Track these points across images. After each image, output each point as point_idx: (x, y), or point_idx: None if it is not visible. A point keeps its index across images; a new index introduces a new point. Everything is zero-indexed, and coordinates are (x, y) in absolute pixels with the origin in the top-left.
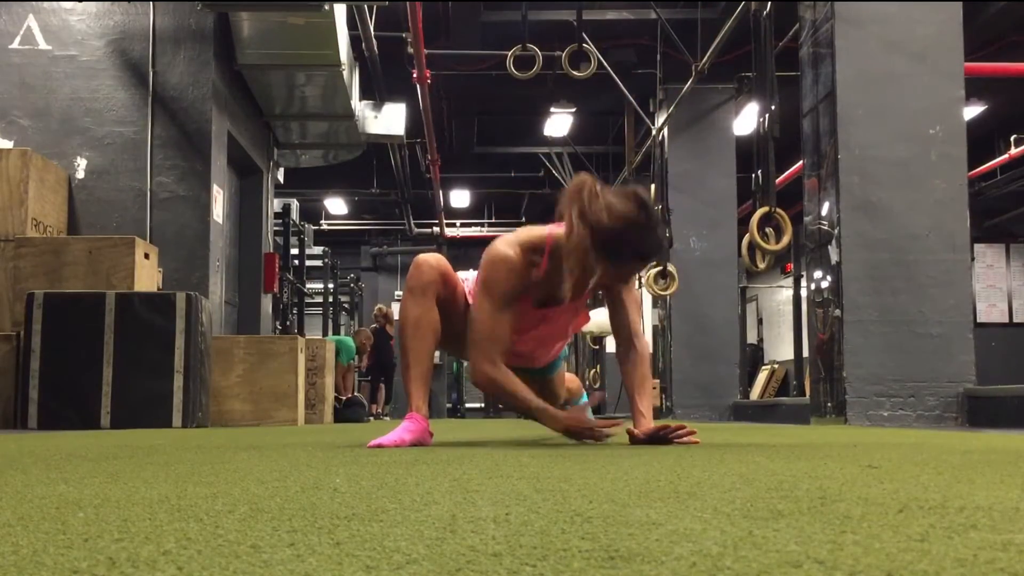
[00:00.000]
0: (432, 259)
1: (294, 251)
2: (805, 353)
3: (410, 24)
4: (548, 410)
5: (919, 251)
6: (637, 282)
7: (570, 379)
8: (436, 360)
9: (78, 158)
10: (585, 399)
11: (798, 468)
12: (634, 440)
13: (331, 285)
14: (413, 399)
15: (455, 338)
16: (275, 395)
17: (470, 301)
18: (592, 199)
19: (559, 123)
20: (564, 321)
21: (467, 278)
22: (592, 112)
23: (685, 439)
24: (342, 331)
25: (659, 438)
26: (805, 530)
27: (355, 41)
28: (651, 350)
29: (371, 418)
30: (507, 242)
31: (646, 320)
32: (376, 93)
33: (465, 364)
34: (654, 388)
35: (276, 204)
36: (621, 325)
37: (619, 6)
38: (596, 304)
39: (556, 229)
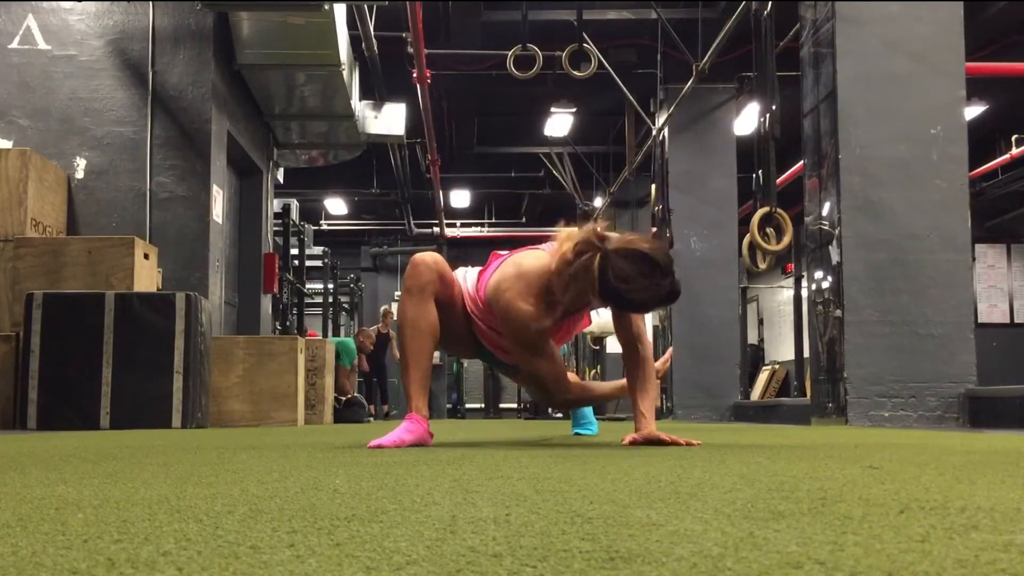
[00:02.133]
0: (429, 258)
1: (294, 251)
2: (806, 353)
3: (410, 24)
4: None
5: (920, 251)
6: None
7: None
8: (436, 360)
9: (77, 158)
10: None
11: (799, 469)
12: (631, 442)
13: (331, 285)
14: (413, 399)
15: (455, 340)
16: (275, 395)
17: (469, 308)
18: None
19: (559, 123)
20: (569, 323)
21: (465, 277)
22: (592, 112)
23: (683, 443)
24: (342, 332)
25: (657, 443)
26: (806, 531)
27: (355, 41)
28: (651, 351)
29: (371, 419)
30: (518, 294)
31: (647, 320)
32: (376, 93)
33: (466, 363)
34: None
35: (276, 204)
36: (623, 328)
37: (619, 6)
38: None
39: (551, 255)
